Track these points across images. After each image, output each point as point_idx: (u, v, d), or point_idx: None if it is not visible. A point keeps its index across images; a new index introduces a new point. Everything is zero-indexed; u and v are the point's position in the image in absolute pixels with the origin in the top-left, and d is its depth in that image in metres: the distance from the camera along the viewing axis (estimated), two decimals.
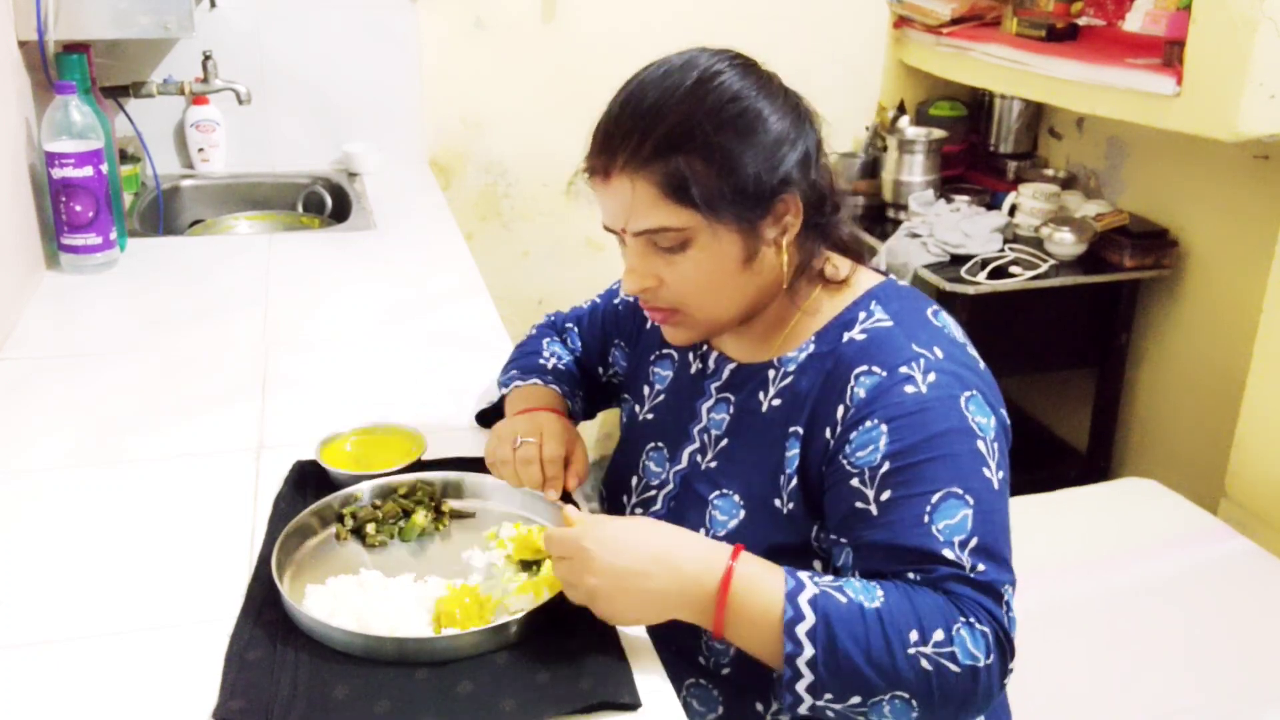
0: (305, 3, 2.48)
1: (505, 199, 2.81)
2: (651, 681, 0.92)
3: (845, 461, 0.99)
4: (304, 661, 0.92)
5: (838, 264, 1.09)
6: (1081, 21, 2.49)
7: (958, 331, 1.07)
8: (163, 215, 2.31)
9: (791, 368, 1.07)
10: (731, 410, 1.12)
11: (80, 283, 1.83)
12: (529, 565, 1.06)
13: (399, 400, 1.44)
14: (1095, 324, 2.57)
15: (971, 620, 0.91)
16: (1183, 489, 1.93)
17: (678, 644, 1.07)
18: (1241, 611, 1.60)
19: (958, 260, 2.43)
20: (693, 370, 1.18)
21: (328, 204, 2.48)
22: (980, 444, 0.97)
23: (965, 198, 2.67)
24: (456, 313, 1.76)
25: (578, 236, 2.85)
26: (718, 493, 1.09)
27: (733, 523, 1.07)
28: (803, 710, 0.91)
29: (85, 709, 0.89)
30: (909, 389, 0.98)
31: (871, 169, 2.90)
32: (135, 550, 1.10)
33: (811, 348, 1.07)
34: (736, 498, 1.08)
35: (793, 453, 1.04)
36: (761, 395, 1.09)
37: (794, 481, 1.04)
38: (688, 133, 0.99)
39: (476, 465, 1.23)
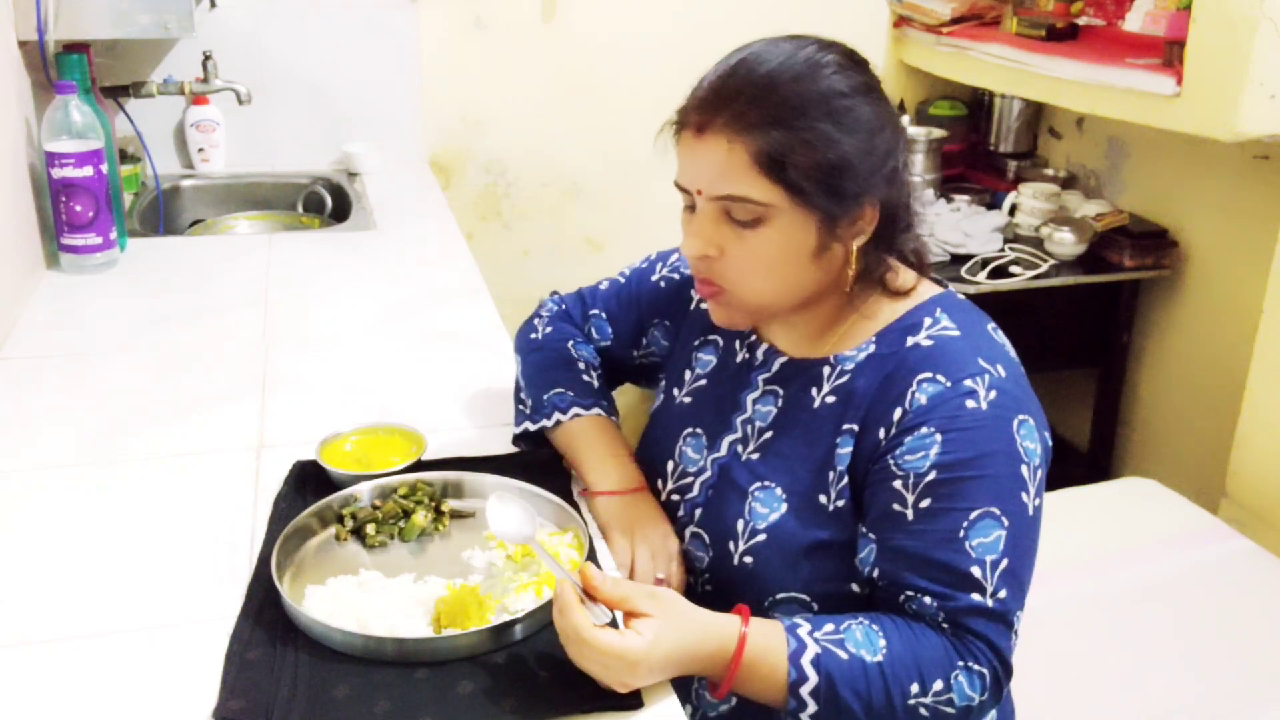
0: (305, 3, 2.48)
1: (505, 199, 2.81)
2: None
3: (892, 462, 0.99)
4: (304, 661, 0.92)
5: (902, 274, 1.09)
6: (1081, 21, 2.49)
7: (1012, 350, 1.07)
8: (163, 215, 2.31)
9: (849, 366, 1.07)
10: (780, 404, 1.11)
11: (80, 283, 1.83)
12: (529, 565, 1.06)
13: (399, 400, 1.44)
14: (1095, 324, 2.57)
15: (970, 664, 0.94)
16: (1183, 489, 1.93)
17: None
18: (1241, 611, 1.60)
19: (958, 260, 2.43)
20: (739, 359, 1.17)
21: (328, 204, 2.48)
22: (1024, 469, 0.98)
23: (965, 197, 2.67)
24: (456, 313, 1.76)
25: (578, 236, 2.85)
26: (759, 485, 1.09)
27: (774, 516, 1.06)
28: None
29: (85, 709, 0.89)
30: (970, 403, 0.98)
31: None
32: (135, 549, 1.10)
33: (872, 348, 1.06)
34: (779, 491, 1.07)
35: (845, 450, 1.04)
36: (815, 391, 1.08)
37: (845, 479, 1.04)
38: (798, 111, 0.97)
39: (476, 465, 1.23)
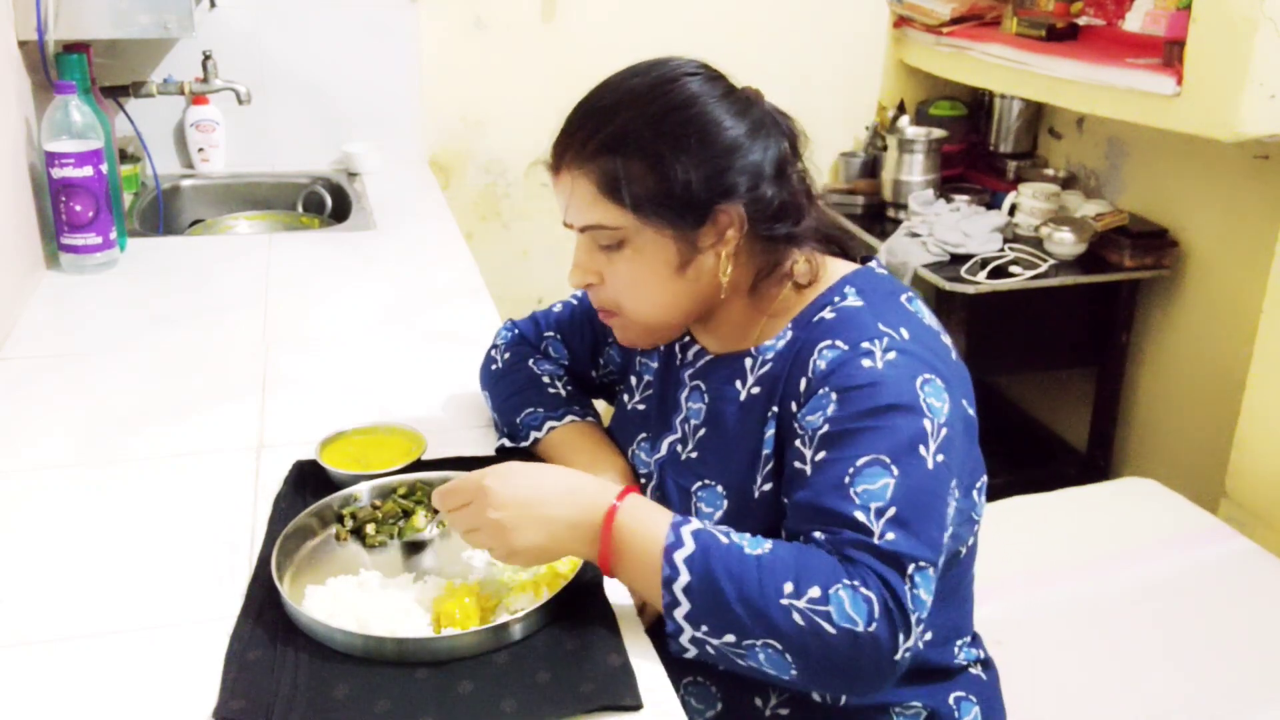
0: (305, 3, 2.48)
1: (505, 199, 2.81)
2: (652, 681, 0.92)
3: (796, 425, 1.01)
4: (304, 661, 0.92)
5: (812, 264, 1.09)
6: (1081, 21, 2.49)
7: (931, 319, 1.07)
8: (163, 215, 2.31)
9: (770, 355, 1.08)
10: (706, 399, 1.12)
11: (80, 283, 1.83)
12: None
13: (399, 400, 1.44)
14: (1095, 324, 2.57)
15: (856, 584, 0.88)
16: (1183, 489, 1.93)
17: None
18: (1241, 611, 1.60)
19: (957, 260, 2.43)
20: (677, 361, 1.19)
21: (328, 204, 2.48)
22: (926, 422, 0.96)
23: (965, 197, 2.67)
24: (456, 313, 1.76)
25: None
26: (700, 484, 1.10)
27: (718, 515, 1.07)
28: (685, 642, 0.92)
29: (85, 709, 0.89)
30: (865, 363, 0.98)
31: (871, 169, 2.90)
32: (135, 549, 1.10)
33: (789, 334, 1.08)
34: (719, 488, 1.08)
35: (770, 433, 1.05)
36: (739, 384, 1.09)
37: (771, 462, 1.04)
38: (631, 134, 1.02)
39: (476, 465, 1.22)
